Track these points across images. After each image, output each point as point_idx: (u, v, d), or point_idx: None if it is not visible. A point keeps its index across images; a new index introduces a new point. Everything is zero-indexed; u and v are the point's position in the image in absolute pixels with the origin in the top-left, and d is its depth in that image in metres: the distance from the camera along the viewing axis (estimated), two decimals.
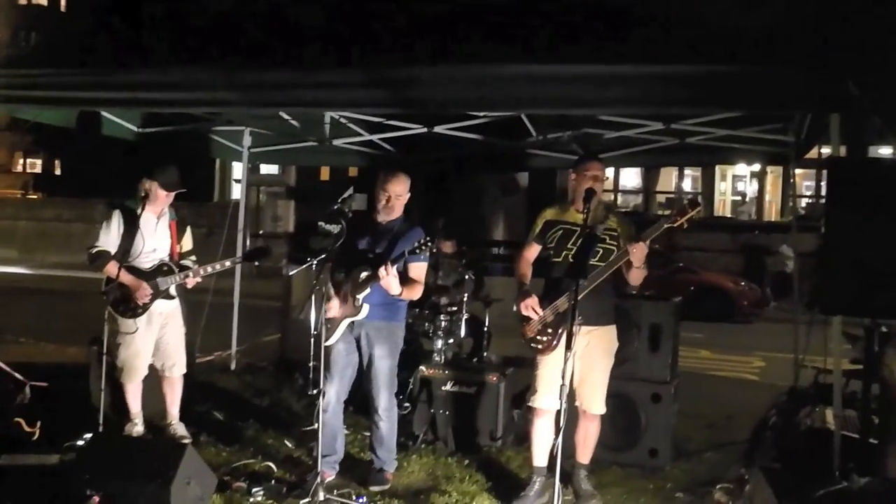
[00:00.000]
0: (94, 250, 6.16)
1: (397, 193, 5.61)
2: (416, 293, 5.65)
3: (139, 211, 6.18)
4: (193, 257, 6.56)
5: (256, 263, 6.66)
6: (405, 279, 5.50)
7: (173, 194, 6.29)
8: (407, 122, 8.44)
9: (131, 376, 6.29)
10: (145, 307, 6.20)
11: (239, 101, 6.20)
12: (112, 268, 6.13)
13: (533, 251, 5.61)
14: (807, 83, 4.79)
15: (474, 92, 5.47)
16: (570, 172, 5.63)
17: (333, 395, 5.65)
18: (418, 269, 5.60)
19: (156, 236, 6.29)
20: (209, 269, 6.43)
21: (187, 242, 6.54)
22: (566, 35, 5.36)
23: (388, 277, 5.34)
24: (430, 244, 5.32)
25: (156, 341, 6.36)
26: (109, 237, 6.18)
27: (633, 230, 5.42)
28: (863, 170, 4.68)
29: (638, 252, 5.11)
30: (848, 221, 4.40)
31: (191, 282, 6.35)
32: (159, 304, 6.27)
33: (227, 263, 6.58)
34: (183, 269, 6.32)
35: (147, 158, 6.40)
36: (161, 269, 6.27)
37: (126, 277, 6.12)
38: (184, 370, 6.55)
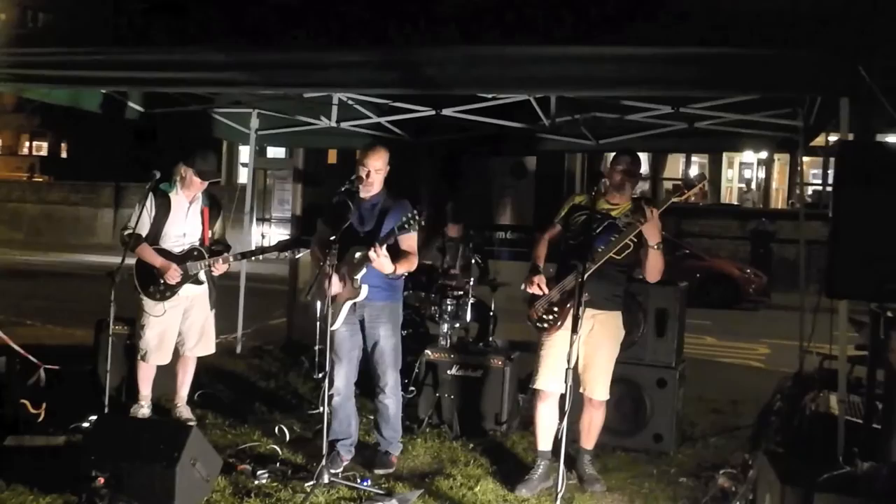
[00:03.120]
0: (127, 232, 6.20)
1: (377, 168, 5.58)
2: (411, 265, 5.63)
3: (172, 195, 6.26)
4: (225, 243, 6.60)
5: (288, 253, 6.69)
6: (397, 254, 5.49)
7: (208, 182, 6.33)
8: (415, 105, 8.42)
9: (154, 358, 6.35)
10: (174, 290, 6.25)
11: (248, 82, 6.18)
12: (143, 250, 6.18)
13: (553, 231, 5.62)
14: (817, 67, 4.76)
15: (484, 72, 5.45)
16: (605, 167, 5.65)
17: (343, 378, 5.66)
18: (409, 241, 5.57)
19: (187, 221, 6.32)
20: (238, 256, 6.46)
21: (219, 229, 6.57)
22: (578, 17, 5.33)
23: (380, 259, 5.34)
24: (417, 217, 5.29)
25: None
26: (142, 220, 6.20)
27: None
28: (871, 153, 4.66)
29: (650, 221, 5.13)
30: (856, 205, 4.38)
31: (220, 267, 6.38)
32: (187, 288, 6.31)
33: (260, 256, 6.62)
34: (213, 254, 6.35)
35: (155, 141, 6.43)
36: (191, 254, 6.30)
37: (156, 259, 6.19)
38: (209, 351, 6.63)
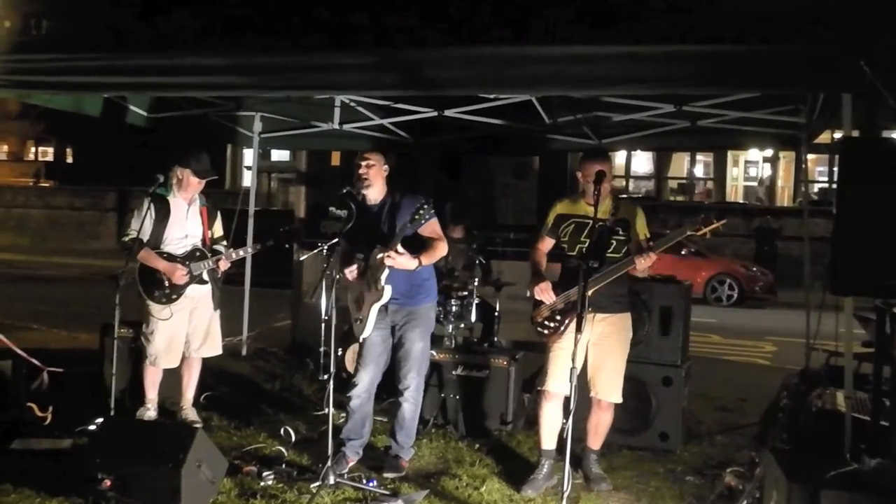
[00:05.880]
0: (127, 238, 6.19)
1: (368, 162, 5.56)
2: (439, 251, 5.58)
3: (170, 198, 6.25)
4: (225, 243, 6.64)
5: (287, 246, 6.69)
6: (420, 245, 5.48)
7: (205, 181, 6.33)
8: (417, 106, 8.42)
9: (163, 362, 6.36)
10: (179, 293, 6.25)
11: (249, 85, 6.18)
12: (146, 254, 6.18)
13: (546, 244, 5.61)
14: (818, 63, 4.74)
15: (485, 73, 5.43)
16: (577, 171, 5.59)
17: (367, 380, 5.65)
18: (431, 226, 5.53)
19: (187, 223, 6.32)
20: (241, 253, 6.47)
21: (218, 228, 6.59)
22: (578, 16, 5.32)
23: (397, 259, 5.35)
24: (427, 206, 5.26)
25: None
26: (141, 225, 6.18)
27: (645, 220, 5.46)
28: (875, 149, 4.64)
29: (644, 263, 5.16)
30: (860, 202, 4.36)
31: (223, 265, 6.39)
32: (191, 289, 6.31)
33: (258, 247, 6.64)
34: (215, 254, 6.36)
35: (159, 145, 6.40)
36: (193, 255, 6.30)
37: (161, 263, 6.19)
38: (215, 352, 6.63)
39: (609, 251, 5.33)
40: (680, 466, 6.02)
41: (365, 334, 5.54)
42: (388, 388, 5.95)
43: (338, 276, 5.48)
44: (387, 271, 5.41)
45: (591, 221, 5.23)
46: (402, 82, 5.67)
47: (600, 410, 5.57)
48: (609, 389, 5.50)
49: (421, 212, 5.30)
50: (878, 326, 4.87)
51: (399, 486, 5.42)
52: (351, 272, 5.56)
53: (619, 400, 5.56)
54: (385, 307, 5.54)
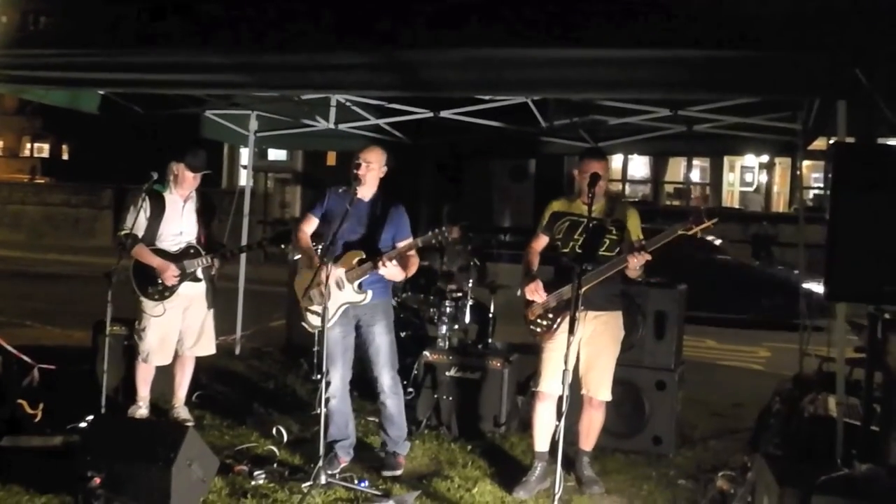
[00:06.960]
0: (123, 233, 6.18)
1: (368, 161, 5.54)
2: (415, 265, 5.66)
3: (166, 194, 6.25)
4: (220, 242, 6.60)
5: (283, 246, 6.71)
6: (401, 257, 5.49)
7: (200, 176, 6.32)
8: (413, 107, 8.41)
9: (155, 359, 6.36)
10: (173, 290, 6.24)
11: (244, 84, 6.18)
12: (140, 250, 6.18)
13: (541, 242, 5.61)
14: (813, 69, 4.75)
15: (480, 75, 5.43)
16: (574, 169, 5.61)
17: (339, 379, 5.64)
18: (409, 244, 5.56)
19: (182, 220, 6.32)
20: (235, 252, 6.46)
21: (214, 228, 6.57)
22: (579, 19, 5.33)
23: (390, 269, 5.37)
24: (446, 235, 5.27)
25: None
26: (137, 221, 6.18)
27: (639, 222, 5.45)
28: (868, 156, 4.66)
29: (637, 262, 5.14)
30: (853, 208, 4.38)
31: (217, 263, 6.38)
32: (185, 287, 6.30)
33: (254, 246, 6.63)
34: (210, 251, 6.34)
35: (155, 143, 6.39)
36: (188, 252, 6.29)
37: (154, 260, 6.18)
38: (209, 351, 6.62)
39: (602, 249, 5.35)
40: (673, 470, 6.02)
41: (323, 327, 5.39)
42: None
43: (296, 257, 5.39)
44: (366, 276, 5.44)
45: (585, 220, 5.24)
46: (400, 83, 5.68)
47: (592, 409, 5.59)
48: (599, 387, 5.52)
49: (439, 237, 5.30)
50: (870, 332, 4.88)
51: (391, 486, 5.42)
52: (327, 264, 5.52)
53: (609, 398, 5.57)
54: (349, 305, 5.55)
